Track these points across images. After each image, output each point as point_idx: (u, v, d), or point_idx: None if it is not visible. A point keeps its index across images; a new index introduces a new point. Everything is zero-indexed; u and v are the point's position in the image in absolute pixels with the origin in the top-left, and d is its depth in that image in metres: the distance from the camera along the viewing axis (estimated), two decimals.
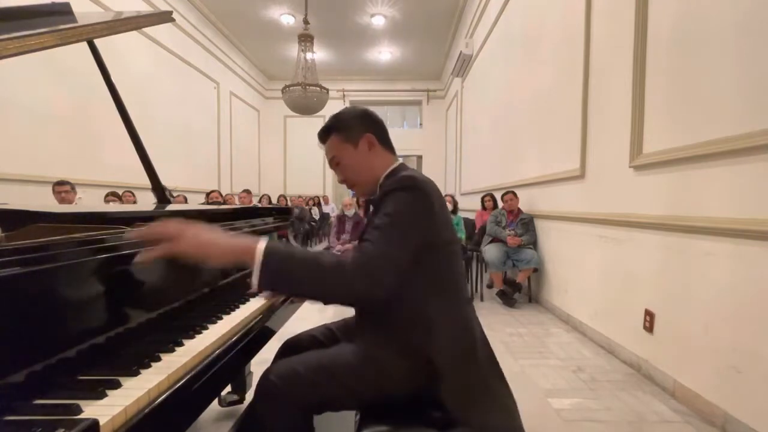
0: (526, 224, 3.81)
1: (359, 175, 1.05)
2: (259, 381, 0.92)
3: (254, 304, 1.07)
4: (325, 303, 0.88)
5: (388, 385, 0.93)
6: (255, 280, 0.78)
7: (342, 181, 1.08)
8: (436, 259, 0.93)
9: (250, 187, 8.23)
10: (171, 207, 1.67)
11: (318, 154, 10.76)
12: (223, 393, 1.76)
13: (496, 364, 0.99)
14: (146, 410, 0.57)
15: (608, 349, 2.56)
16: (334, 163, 1.06)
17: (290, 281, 0.82)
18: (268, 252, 0.79)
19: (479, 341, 0.96)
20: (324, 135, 1.07)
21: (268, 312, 1.07)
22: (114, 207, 2.18)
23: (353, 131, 1.03)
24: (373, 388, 0.93)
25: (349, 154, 1.03)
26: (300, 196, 9.40)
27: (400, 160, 1.09)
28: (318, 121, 10.01)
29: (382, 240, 0.85)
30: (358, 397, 0.94)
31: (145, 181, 1.80)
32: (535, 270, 3.74)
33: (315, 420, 0.94)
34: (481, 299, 3.96)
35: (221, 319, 0.94)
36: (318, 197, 9.82)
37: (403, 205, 0.88)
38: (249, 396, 1.79)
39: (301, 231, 7.34)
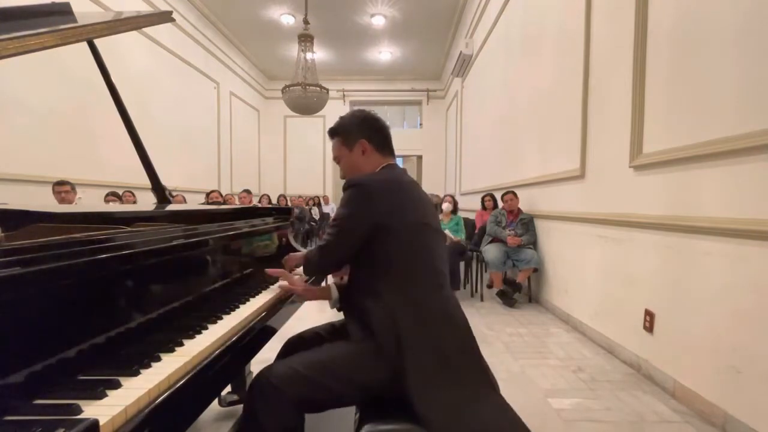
0: (526, 224, 3.81)
1: (351, 176, 1.17)
2: (254, 380, 0.93)
3: (254, 304, 1.07)
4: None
5: (373, 379, 0.96)
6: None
7: (342, 177, 1.22)
8: (386, 248, 1.03)
9: (250, 187, 8.22)
10: (171, 207, 1.67)
11: (318, 154, 10.77)
12: (223, 393, 1.76)
13: (474, 354, 1.00)
14: (146, 410, 0.57)
15: (608, 349, 2.56)
16: (337, 160, 1.24)
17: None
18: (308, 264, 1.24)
19: (440, 329, 0.99)
20: (331, 135, 1.24)
21: (268, 312, 1.07)
22: (114, 207, 2.18)
23: (350, 137, 1.19)
24: (363, 384, 0.96)
25: (346, 156, 1.20)
26: (300, 196, 9.39)
27: (395, 161, 1.25)
28: (318, 121, 10.02)
29: (328, 240, 1.10)
30: (350, 392, 0.96)
31: (145, 181, 1.80)
32: (535, 270, 3.74)
33: (315, 417, 0.95)
34: (481, 299, 3.96)
35: (221, 319, 0.94)
36: (318, 197, 9.81)
37: (342, 206, 1.07)
38: None
39: (301, 231, 7.34)
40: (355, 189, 1.06)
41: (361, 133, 1.18)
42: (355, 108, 1.29)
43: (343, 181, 1.15)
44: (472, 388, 0.95)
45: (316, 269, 1.24)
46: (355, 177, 1.10)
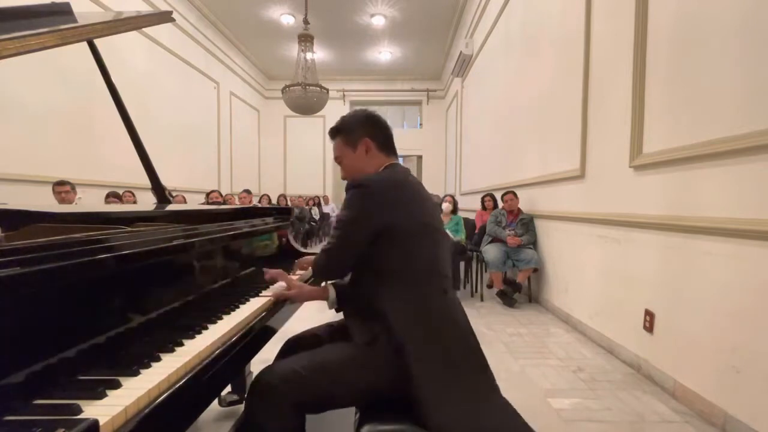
0: (526, 224, 3.81)
1: (354, 175, 1.17)
2: (254, 381, 0.93)
3: (254, 304, 1.07)
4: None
5: (375, 382, 0.96)
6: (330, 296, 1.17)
7: (344, 178, 1.21)
8: (389, 251, 1.02)
9: (250, 187, 8.23)
10: (171, 207, 1.67)
11: (318, 154, 10.77)
12: (223, 393, 1.76)
13: (478, 356, 1.00)
14: (146, 410, 0.57)
15: (608, 349, 2.56)
16: (338, 161, 1.21)
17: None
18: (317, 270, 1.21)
19: (445, 333, 0.99)
20: (332, 134, 1.21)
21: (268, 312, 1.07)
22: (114, 207, 2.18)
23: (353, 135, 1.16)
24: (362, 386, 0.96)
25: (349, 155, 1.17)
26: (300, 196, 9.40)
27: (398, 161, 1.22)
28: (318, 121, 10.02)
29: (332, 243, 1.08)
30: (351, 394, 0.96)
31: (145, 181, 1.80)
32: (535, 270, 3.74)
33: (315, 418, 0.95)
34: (481, 299, 3.96)
35: (221, 319, 0.94)
36: (318, 197, 9.82)
37: (345, 208, 1.05)
38: None
39: (301, 231, 7.33)
40: (358, 190, 1.04)
41: (365, 131, 1.15)
42: (357, 107, 1.25)
43: (344, 182, 1.14)
44: (477, 390, 0.94)
45: (324, 275, 1.24)
46: (358, 177, 1.09)
